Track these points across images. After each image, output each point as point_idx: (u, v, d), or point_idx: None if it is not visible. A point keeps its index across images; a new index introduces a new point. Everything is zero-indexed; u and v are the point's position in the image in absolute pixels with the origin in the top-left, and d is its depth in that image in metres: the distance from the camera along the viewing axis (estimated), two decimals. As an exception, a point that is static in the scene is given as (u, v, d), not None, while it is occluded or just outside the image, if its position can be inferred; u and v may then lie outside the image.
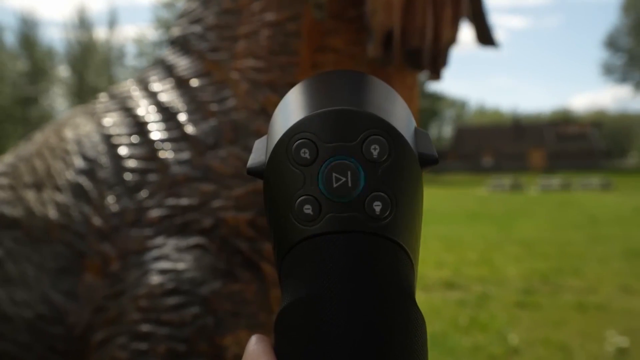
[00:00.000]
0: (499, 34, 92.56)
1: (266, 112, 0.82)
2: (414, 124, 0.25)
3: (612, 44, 23.54)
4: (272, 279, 0.78)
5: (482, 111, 49.29)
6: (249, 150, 0.81)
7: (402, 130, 0.23)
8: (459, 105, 47.05)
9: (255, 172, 0.24)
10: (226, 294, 0.72)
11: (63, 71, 25.85)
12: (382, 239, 0.22)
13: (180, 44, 0.94)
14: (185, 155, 0.82)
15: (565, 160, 23.53)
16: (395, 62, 0.79)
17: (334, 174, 0.22)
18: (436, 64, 0.86)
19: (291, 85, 0.83)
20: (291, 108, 0.24)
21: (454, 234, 6.05)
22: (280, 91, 0.82)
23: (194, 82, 0.87)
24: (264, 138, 0.26)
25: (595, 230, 6.09)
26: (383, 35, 0.77)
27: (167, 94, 0.89)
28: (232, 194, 0.79)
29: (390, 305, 0.21)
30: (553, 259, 4.58)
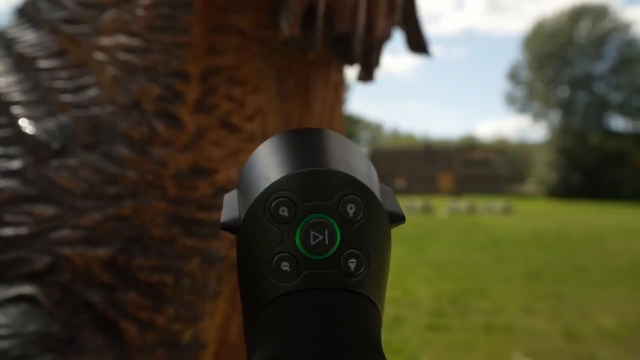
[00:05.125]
0: (412, 60, 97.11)
1: (141, 108, 0.59)
2: (377, 178, 0.26)
3: (513, 76, 25.28)
4: (138, 345, 0.54)
5: (396, 135, 50.94)
6: (112, 159, 0.58)
7: (373, 188, 0.23)
8: (374, 128, 48.28)
9: (229, 228, 0.24)
10: (60, 373, 0.48)
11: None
12: (356, 294, 0.22)
13: (29, 14, 0.69)
14: (16, 163, 0.57)
15: (471, 184, 24.77)
16: (317, 48, 0.59)
17: (311, 232, 0.22)
18: (368, 60, 0.68)
19: (178, 74, 0.61)
20: (267, 164, 0.24)
21: (367, 256, 6.03)
22: (163, 81, 0.60)
23: (42, 63, 0.63)
24: (233, 192, 0.26)
25: (498, 253, 6.33)
26: (303, 10, 0.57)
27: (0, 77, 0.63)
28: (83, 222, 0.55)
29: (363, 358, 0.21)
30: (461, 280, 4.67)
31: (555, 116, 23.28)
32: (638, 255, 5.81)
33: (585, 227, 9.06)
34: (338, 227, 0.22)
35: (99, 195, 0.56)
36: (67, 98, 0.60)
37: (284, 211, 0.22)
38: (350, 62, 0.64)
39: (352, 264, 0.22)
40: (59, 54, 0.63)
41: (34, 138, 0.58)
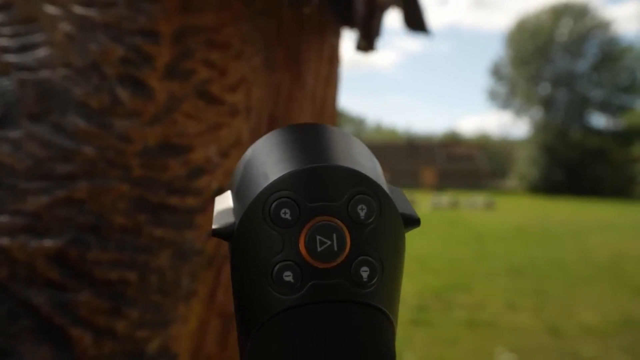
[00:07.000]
0: (395, 55, 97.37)
1: (100, 72, 0.49)
2: (384, 177, 0.23)
3: (496, 72, 25.52)
4: (92, 356, 0.45)
5: (379, 129, 51.15)
6: (65, 132, 0.48)
7: (384, 187, 0.22)
8: (357, 122, 48.36)
9: (223, 235, 0.21)
10: (-10, 393, 0.39)
11: None
12: (368, 307, 0.20)
13: (-29, -38, 0.58)
14: (-56, 135, 0.47)
15: (453, 179, 24.96)
16: (314, 1, 0.50)
17: (318, 237, 0.20)
18: (369, 27, 0.59)
19: (146, 32, 0.51)
20: (265, 161, 0.22)
21: (350, 251, 6.10)
22: (127, 40, 0.50)
23: (-18, 18, 0.53)
24: (226, 194, 0.23)
25: (481, 248, 6.41)
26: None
27: None
28: (26, 206, 0.45)
29: None
30: (445, 275, 4.71)
31: (537, 113, 23.55)
32: (618, 252, 5.90)
33: (566, 223, 9.17)
34: (348, 230, 0.20)
35: (47, 174, 0.47)
36: (10, 58, 0.50)
37: (285, 213, 0.20)
38: (351, 25, 0.55)
39: (365, 272, 0.20)
40: (2, 7, 0.53)
41: (-31, 105, 0.48)
